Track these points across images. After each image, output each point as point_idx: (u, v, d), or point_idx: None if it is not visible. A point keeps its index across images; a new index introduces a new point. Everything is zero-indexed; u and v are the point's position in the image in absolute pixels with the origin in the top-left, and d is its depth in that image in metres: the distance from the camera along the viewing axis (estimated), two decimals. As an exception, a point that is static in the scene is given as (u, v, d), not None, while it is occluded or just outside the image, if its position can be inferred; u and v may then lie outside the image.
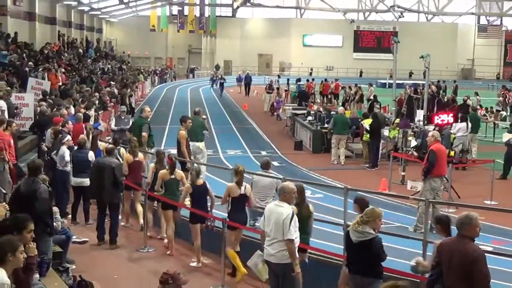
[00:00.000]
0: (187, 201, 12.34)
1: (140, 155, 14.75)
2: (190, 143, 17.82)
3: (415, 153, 19.16)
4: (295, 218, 8.79)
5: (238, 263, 11.21)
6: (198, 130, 18.13)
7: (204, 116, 19.60)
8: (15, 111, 20.52)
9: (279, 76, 54.12)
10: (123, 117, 20.52)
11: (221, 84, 54.74)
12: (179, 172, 13.18)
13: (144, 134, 18.00)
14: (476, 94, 35.45)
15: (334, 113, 26.29)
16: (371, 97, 34.20)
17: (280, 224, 8.65)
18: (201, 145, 18.13)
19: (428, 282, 7.80)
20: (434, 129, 19.33)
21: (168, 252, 12.71)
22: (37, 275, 7.73)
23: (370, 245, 8.08)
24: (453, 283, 7.33)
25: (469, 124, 22.09)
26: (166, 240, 13.08)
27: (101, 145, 16.13)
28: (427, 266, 8.01)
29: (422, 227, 13.13)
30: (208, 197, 12.05)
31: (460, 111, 24.97)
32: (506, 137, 20.99)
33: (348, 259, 8.56)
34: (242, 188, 11.46)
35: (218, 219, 11.29)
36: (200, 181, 12.02)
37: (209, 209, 12.00)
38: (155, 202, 13.91)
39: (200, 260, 12.09)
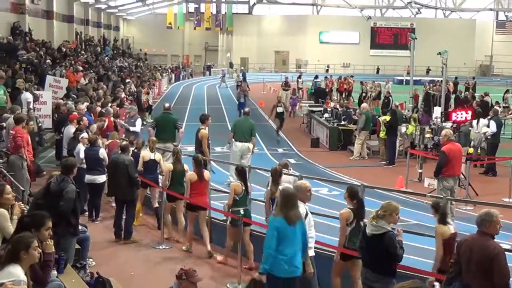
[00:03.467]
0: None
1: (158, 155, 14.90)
2: (239, 143, 17.99)
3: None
4: (310, 217, 8.76)
5: (138, 216, 14.23)
6: (248, 131, 18.22)
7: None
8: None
9: (299, 76, 52.99)
10: (131, 117, 19.97)
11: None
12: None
13: (182, 130, 18.53)
14: (507, 91, 35.07)
15: (351, 110, 26.24)
16: (388, 94, 34.05)
17: None
18: (250, 145, 18.19)
19: (447, 279, 7.74)
20: (455, 127, 19.27)
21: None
22: (54, 272, 7.76)
23: (381, 239, 7.96)
24: (472, 280, 7.28)
25: (482, 122, 21.65)
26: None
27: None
28: None
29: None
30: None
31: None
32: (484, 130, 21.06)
33: (361, 252, 8.48)
34: (153, 154, 14.43)
35: (234, 216, 11.29)
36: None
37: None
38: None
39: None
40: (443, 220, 8.76)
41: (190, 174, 12.67)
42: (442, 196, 10.94)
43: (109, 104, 21.59)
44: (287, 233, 8.01)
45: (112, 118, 18.95)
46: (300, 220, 8.25)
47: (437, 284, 8.34)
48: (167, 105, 20.00)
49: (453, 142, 14.85)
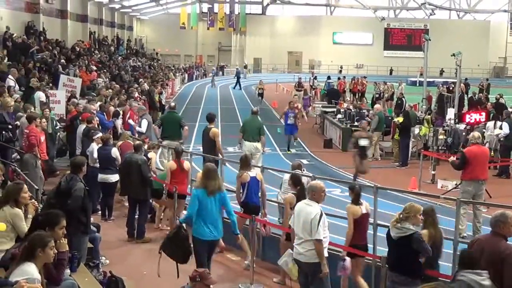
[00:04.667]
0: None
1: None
2: (247, 143, 18.11)
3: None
4: (324, 217, 8.75)
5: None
6: (256, 130, 18.29)
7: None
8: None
9: (315, 77, 52.24)
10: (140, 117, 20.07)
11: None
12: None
13: (186, 128, 18.59)
14: None
15: (364, 110, 26.16)
16: (401, 95, 33.97)
17: (308, 223, 8.62)
18: (258, 145, 18.25)
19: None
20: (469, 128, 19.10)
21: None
22: (68, 271, 7.79)
23: (409, 241, 7.99)
24: None
25: (499, 123, 21.59)
26: None
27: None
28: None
29: (465, 229, 12.97)
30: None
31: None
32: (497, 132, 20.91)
33: (388, 256, 8.50)
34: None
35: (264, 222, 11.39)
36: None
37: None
38: None
39: None
40: (356, 201, 9.69)
41: (170, 163, 13.67)
42: (455, 198, 10.83)
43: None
44: (206, 203, 9.48)
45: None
46: (220, 192, 9.63)
47: (347, 258, 9.45)
48: (172, 104, 20.74)
49: (480, 145, 14.43)
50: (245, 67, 74.05)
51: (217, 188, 9.60)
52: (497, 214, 7.39)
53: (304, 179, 12.14)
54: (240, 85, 56.42)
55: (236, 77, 58.69)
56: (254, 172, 11.98)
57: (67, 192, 9.61)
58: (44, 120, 15.95)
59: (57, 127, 18.89)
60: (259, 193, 11.94)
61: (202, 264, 9.39)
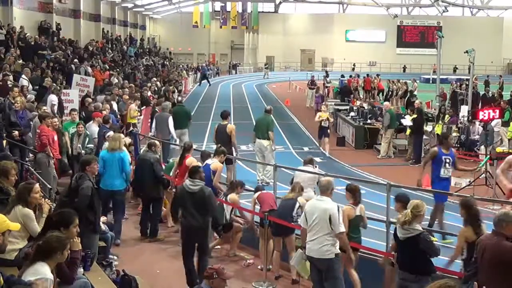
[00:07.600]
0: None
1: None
2: (256, 140, 18.42)
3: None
4: (341, 212, 8.86)
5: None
6: (264, 128, 18.43)
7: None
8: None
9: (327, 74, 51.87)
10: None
11: None
12: None
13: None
14: None
15: (377, 108, 26.08)
16: (415, 93, 33.91)
17: (325, 219, 8.67)
18: (266, 142, 18.34)
19: (465, 277, 7.67)
20: (482, 126, 18.96)
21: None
22: (81, 269, 7.80)
23: (417, 241, 7.92)
24: (485, 279, 7.14)
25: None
26: None
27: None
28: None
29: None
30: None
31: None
32: None
33: (397, 255, 8.46)
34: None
35: (259, 214, 11.30)
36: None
37: None
38: None
39: None
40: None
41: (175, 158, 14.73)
42: (468, 196, 10.72)
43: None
44: (107, 160, 12.44)
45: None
46: (119, 151, 12.50)
47: None
48: (179, 99, 23.42)
49: None
50: (265, 65, 74.06)
51: (117, 147, 12.48)
52: (501, 214, 7.25)
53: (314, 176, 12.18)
54: (202, 81, 57.75)
55: (202, 74, 59.77)
56: (210, 160, 13.23)
57: (75, 190, 9.66)
58: (56, 119, 15.92)
59: (88, 146, 16.60)
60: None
61: (105, 209, 11.92)
